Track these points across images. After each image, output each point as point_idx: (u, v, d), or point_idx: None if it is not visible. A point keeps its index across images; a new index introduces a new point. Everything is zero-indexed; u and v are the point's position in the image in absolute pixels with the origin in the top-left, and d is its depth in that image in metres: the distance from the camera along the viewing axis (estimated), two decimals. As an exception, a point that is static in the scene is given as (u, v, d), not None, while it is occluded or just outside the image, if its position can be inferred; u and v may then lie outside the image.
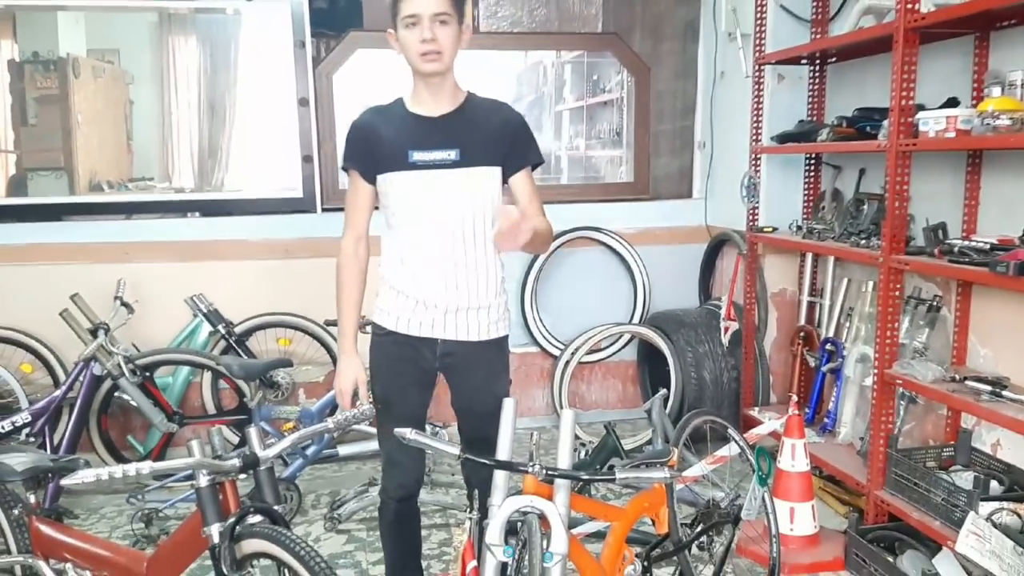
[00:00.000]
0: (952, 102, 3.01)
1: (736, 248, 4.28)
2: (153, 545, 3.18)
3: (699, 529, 2.62)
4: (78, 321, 3.60)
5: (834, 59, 3.87)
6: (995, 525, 2.55)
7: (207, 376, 4.14)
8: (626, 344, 4.73)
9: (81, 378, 3.62)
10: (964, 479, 2.82)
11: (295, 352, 4.24)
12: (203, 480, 1.91)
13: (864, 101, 3.63)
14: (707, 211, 4.80)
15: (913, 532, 2.89)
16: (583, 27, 4.92)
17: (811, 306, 4.10)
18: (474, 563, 1.99)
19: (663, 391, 3.72)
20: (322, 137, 4.47)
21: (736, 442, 2.84)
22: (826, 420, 3.77)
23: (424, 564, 3.07)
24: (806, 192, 4.09)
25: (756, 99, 3.98)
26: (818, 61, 3.93)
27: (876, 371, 3.10)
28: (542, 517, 1.90)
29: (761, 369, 4.19)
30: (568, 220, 4.60)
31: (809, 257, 4.09)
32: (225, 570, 1.87)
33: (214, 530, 1.90)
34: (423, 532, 3.34)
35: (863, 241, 3.32)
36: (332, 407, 3.67)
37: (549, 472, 1.92)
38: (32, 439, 3.57)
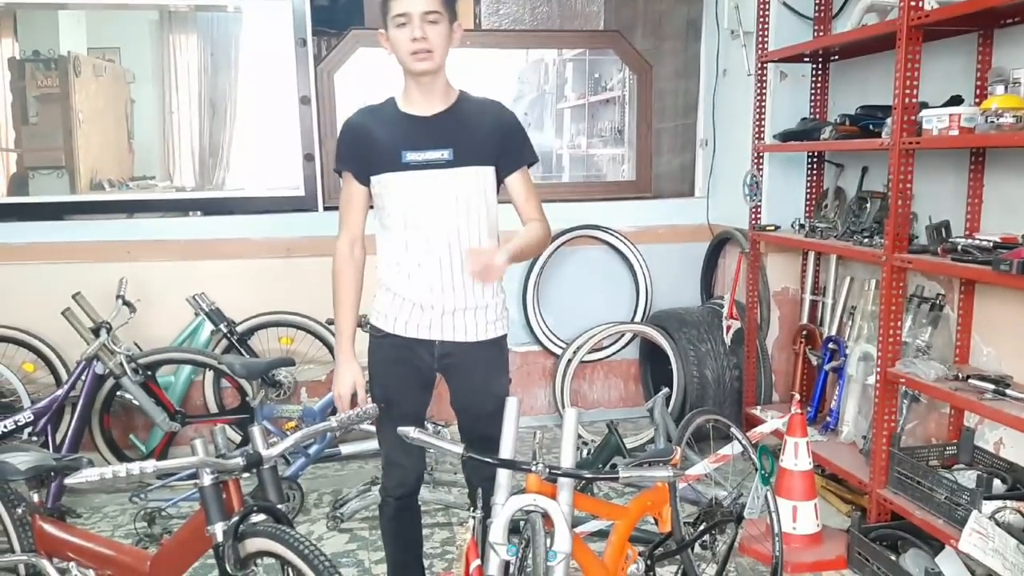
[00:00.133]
0: (955, 100, 3.00)
1: (738, 246, 4.28)
2: (156, 544, 3.18)
3: (702, 528, 2.62)
4: (80, 320, 3.60)
5: (837, 57, 3.86)
6: (998, 523, 2.54)
7: (209, 375, 4.14)
8: (628, 343, 4.73)
9: (83, 377, 3.61)
10: (967, 478, 2.82)
11: (297, 351, 4.24)
12: (207, 479, 1.91)
13: (867, 99, 3.62)
14: (709, 209, 4.80)
15: (916, 531, 2.89)
16: (585, 25, 4.91)
17: (813, 304, 4.10)
18: (477, 562, 1.99)
19: (665, 390, 3.72)
20: (323, 135, 4.47)
21: (739, 441, 2.84)
22: (828, 419, 3.77)
23: (427, 563, 3.08)
24: (808, 190, 4.09)
25: (758, 97, 3.97)
26: (821, 59, 3.93)
27: (879, 369, 3.09)
28: (545, 516, 1.89)
29: (763, 368, 4.19)
30: (570, 219, 4.60)
31: (811, 255, 4.09)
32: (229, 569, 1.88)
33: (218, 529, 1.90)
34: (426, 531, 3.35)
35: (866, 239, 3.31)
36: (334, 406, 3.65)
37: (552, 471, 1.92)
38: (34, 438, 3.57)
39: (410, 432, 1.89)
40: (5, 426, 3.52)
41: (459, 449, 1.90)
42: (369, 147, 2.29)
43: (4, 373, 3.94)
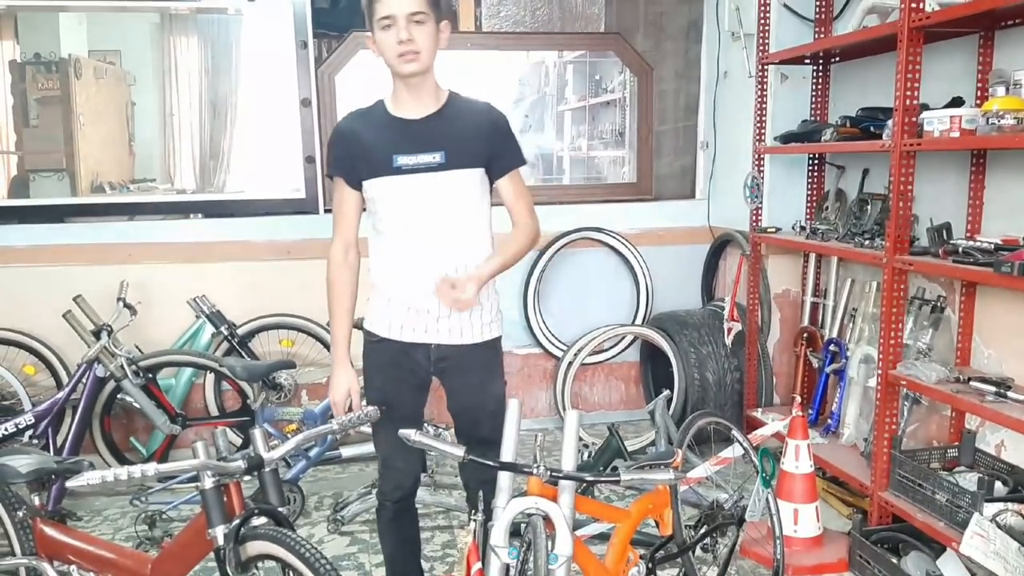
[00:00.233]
0: (956, 102, 3.00)
1: (739, 249, 4.28)
2: (156, 547, 3.17)
3: (703, 531, 2.62)
4: (81, 323, 3.59)
5: (838, 59, 3.86)
6: (999, 526, 2.54)
7: (210, 377, 4.13)
8: (629, 345, 4.73)
9: (84, 380, 3.61)
10: (968, 480, 2.81)
11: (298, 353, 4.24)
12: (208, 482, 1.91)
13: (868, 101, 3.62)
14: (710, 211, 4.80)
15: (917, 533, 2.89)
16: (585, 27, 4.91)
17: (814, 307, 4.10)
18: (479, 565, 1.99)
19: (666, 392, 3.71)
20: (324, 138, 4.46)
21: (740, 443, 2.84)
22: (830, 421, 3.76)
23: (428, 566, 3.08)
24: (809, 192, 4.09)
25: (759, 99, 3.97)
26: (821, 61, 3.93)
27: (880, 372, 3.09)
28: (546, 519, 1.90)
29: (764, 370, 4.18)
30: (570, 221, 4.60)
31: (812, 257, 4.09)
32: (230, 572, 1.88)
33: (219, 532, 1.90)
34: (427, 534, 3.35)
35: (867, 241, 3.31)
36: (335, 409, 3.66)
37: (553, 474, 1.92)
38: (35, 441, 3.57)
39: (411, 435, 1.89)
40: (6, 429, 3.52)
41: (460, 452, 1.90)
42: (360, 152, 2.28)
43: (5, 376, 3.94)
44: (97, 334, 3.58)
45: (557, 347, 4.64)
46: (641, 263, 4.67)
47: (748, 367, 4.13)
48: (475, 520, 2.06)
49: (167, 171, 4.93)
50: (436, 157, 2.24)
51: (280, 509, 1.98)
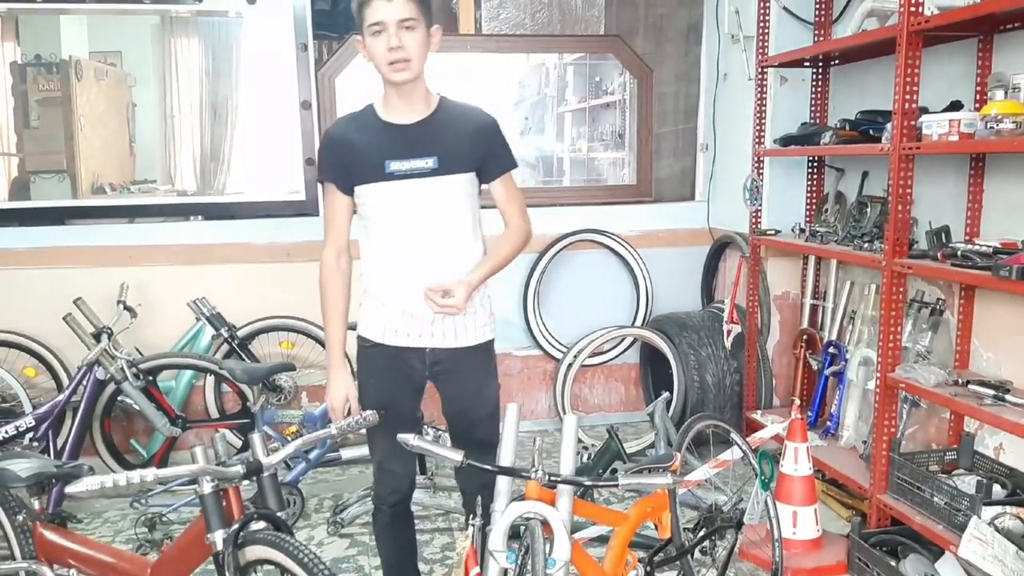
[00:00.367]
0: (955, 105, 3.00)
1: (739, 251, 4.28)
2: (156, 549, 3.18)
3: (702, 533, 2.62)
4: (81, 325, 3.60)
5: (837, 61, 3.87)
6: (998, 530, 2.54)
7: (210, 380, 4.14)
8: (629, 347, 4.73)
9: (84, 382, 3.62)
10: (967, 483, 2.82)
11: (298, 355, 4.25)
12: (207, 487, 1.91)
13: (867, 104, 3.62)
14: (710, 214, 4.80)
15: (916, 536, 2.89)
16: (585, 29, 4.91)
17: (814, 309, 4.10)
18: (477, 569, 1.99)
19: (666, 394, 3.72)
20: (324, 140, 4.47)
21: (739, 446, 2.84)
22: (829, 423, 3.77)
23: (427, 569, 3.09)
24: (809, 195, 4.09)
25: (759, 101, 3.97)
26: (821, 63, 3.93)
27: (879, 375, 3.09)
28: (544, 523, 1.90)
29: (764, 372, 4.19)
30: (570, 223, 4.61)
31: (812, 260, 4.09)
32: (229, 576, 1.88)
33: (217, 537, 1.90)
34: (426, 536, 3.36)
35: (866, 244, 3.31)
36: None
37: (552, 478, 1.92)
38: (36, 443, 3.57)
39: (410, 439, 1.89)
40: (6, 431, 3.53)
41: (459, 456, 1.90)
42: (352, 157, 2.27)
43: (5, 378, 3.95)
44: (97, 336, 3.58)
45: (557, 349, 4.64)
46: (641, 265, 4.68)
47: (747, 369, 4.14)
48: (473, 524, 2.07)
49: (168, 173, 4.93)
50: (429, 162, 2.24)
51: (279, 513, 1.98)
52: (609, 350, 4.70)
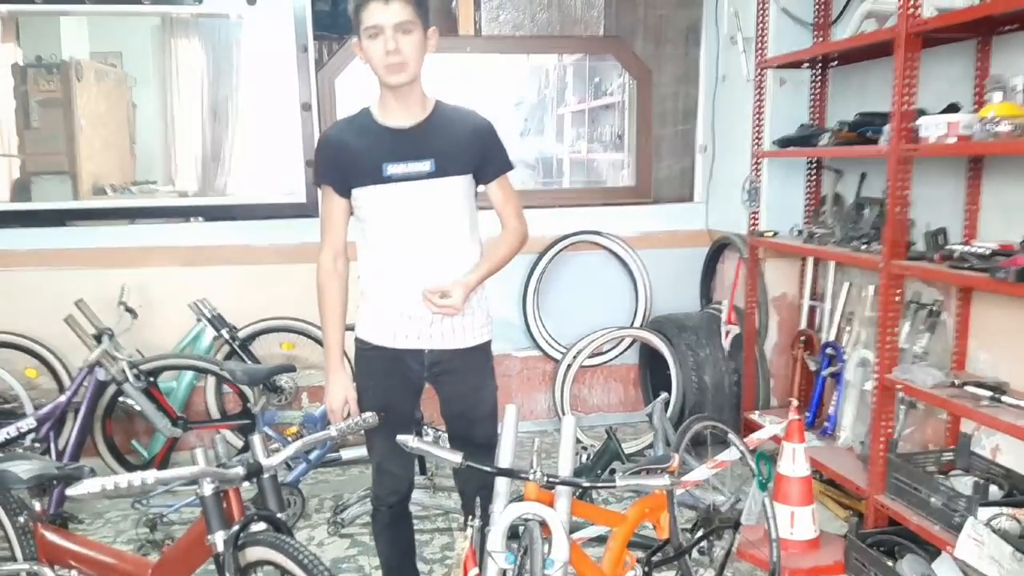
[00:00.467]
0: (953, 107, 3.01)
1: (737, 252, 4.29)
2: (157, 550, 3.19)
3: (700, 534, 2.63)
4: (82, 326, 3.61)
5: (836, 63, 3.88)
6: (994, 530, 2.55)
7: (211, 381, 4.15)
8: (627, 348, 4.74)
9: (85, 383, 3.63)
10: (964, 484, 2.83)
11: (298, 356, 4.26)
12: (207, 488, 1.92)
13: (865, 105, 3.63)
14: (708, 215, 4.81)
15: (913, 537, 2.90)
16: (585, 30, 4.92)
17: (812, 310, 4.11)
18: (476, 570, 2.00)
19: (664, 395, 3.72)
20: (325, 141, 4.48)
21: (736, 447, 2.85)
22: (826, 424, 3.78)
23: (426, 569, 3.10)
24: (807, 196, 4.10)
25: (757, 103, 3.98)
26: (820, 65, 3.94)
27: (876, 376, 3.10)
28: (543, 524, 1.91)
29: (762, 373, 4.20)
30: (569, 224, 4.62)
31: (810, 261, 4.10)
32: (229, 578, 1.89)
33: (218, 538, 1.92)
34: (425, 536, 3.37)
35: (864, 246, 3.32)
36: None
37: (550, 479, 1.94)
38: (37, 444, 3.58)
39: (409, 441, 1.90)
40: (8, 433, 3.54)
41: (457, 458, 1.91)
42: (349, 161, 2.28)
43: (7, 379, 3.96)
44: (98, 338, 3.60)
45: (556, 349, 4.65)
46: (640, 266, 4.69)
47: (745, 370, 4.14)
48: (472, 525, 2.08)
49: (168, 173, 4.95)
50: (426, 165, 2.25)
51: (279, 515, 1.99)
52: (608, 351, 4.71)
